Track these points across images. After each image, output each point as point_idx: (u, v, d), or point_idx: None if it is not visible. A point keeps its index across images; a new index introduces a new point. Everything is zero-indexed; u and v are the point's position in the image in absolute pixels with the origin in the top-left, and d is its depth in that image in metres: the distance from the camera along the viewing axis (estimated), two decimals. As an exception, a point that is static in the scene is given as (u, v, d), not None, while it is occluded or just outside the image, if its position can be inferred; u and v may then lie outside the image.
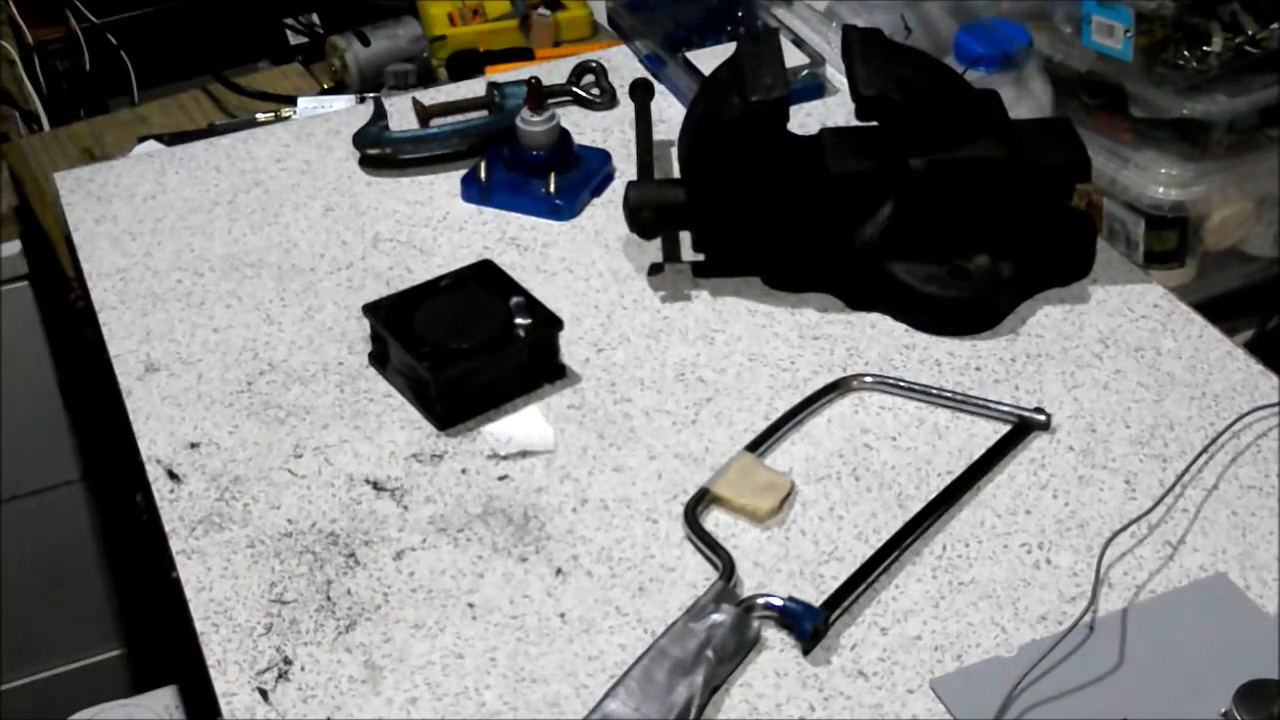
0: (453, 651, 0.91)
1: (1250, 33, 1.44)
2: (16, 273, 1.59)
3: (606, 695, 0.86)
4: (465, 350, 1.06)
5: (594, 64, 1.43)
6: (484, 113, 1.37)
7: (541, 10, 1.63)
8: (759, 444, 1.03)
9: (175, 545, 0.98)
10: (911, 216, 1.12)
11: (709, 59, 1.33)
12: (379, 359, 1.11)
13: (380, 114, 1.35)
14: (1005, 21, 1.46)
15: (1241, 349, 1.11)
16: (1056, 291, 1.16)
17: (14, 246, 1.58)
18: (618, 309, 1.17)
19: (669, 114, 1.37)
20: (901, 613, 0.92)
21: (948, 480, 1.00)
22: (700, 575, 0.95)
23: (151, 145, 1.47)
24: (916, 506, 0.98)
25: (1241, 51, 1.45)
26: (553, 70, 1.43)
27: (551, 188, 1.27)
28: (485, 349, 1.07)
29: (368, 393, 1.10)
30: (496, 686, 0.89)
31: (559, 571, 0.96)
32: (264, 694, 0.89)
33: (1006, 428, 1.04)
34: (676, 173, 1.21)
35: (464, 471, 1.03)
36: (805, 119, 1.34)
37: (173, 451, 1.05)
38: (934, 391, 1.07)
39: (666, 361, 1.11)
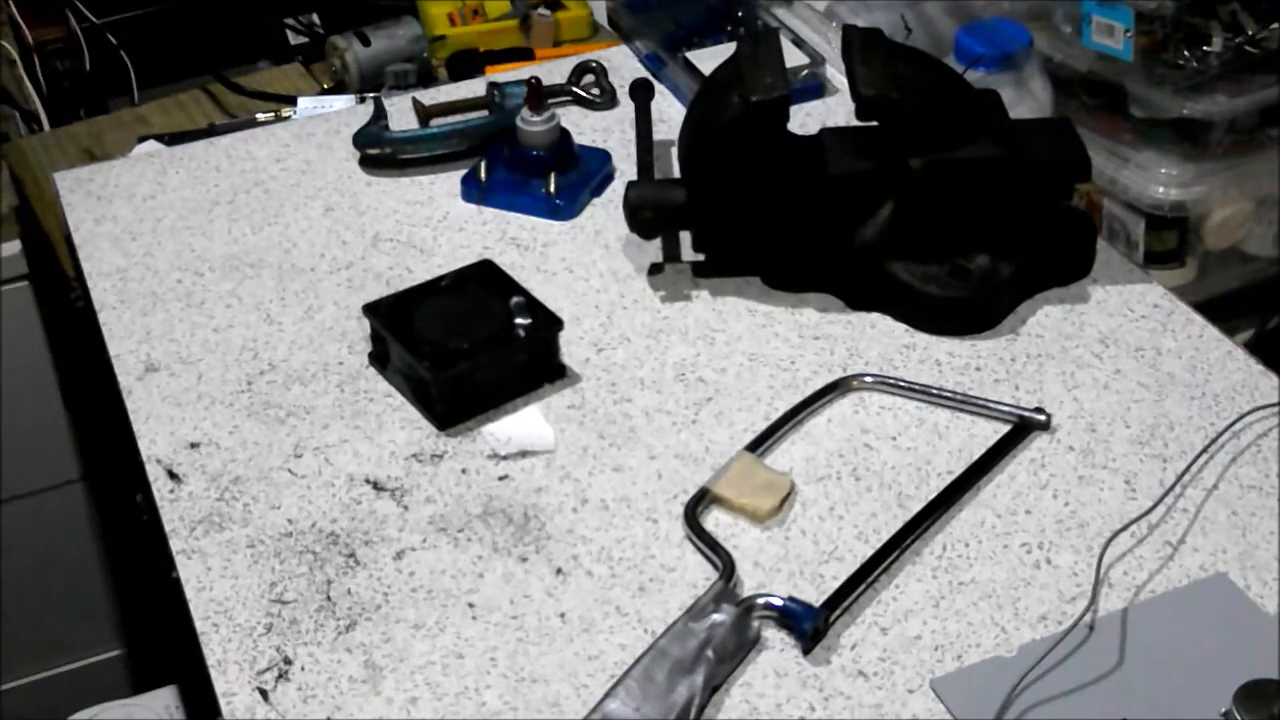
0: (453, 651, 0.91)
1: (1250, 33, 1.45)
2: (16, 273, 1.59)
3: (606, 695, 0.86)
4: (465, 350, 1.06)
5: (594, 64, 1.43)
6: (484, 113, 1.36)
7: (541, 10, 1.63)
8: (759, 444, 1.03)
9: (175, 545, 0.98)
10: (911, 216, 1.12)
11: (709, 59, 1.33)
12: (379, 359, 1.11)
13: (380, 114, 1.35)
14: (1005, 21, 1.46)
15: (1241, 349, 1.11)
16: (1056, 291, 1.16)
17: (14, 246, 1.58)
18: (618, 309, 1.17)
19: (669, 114, 1.37)
20: (901, 613, 0.92)
21: (948, 480, 1.00)
22: (700, 575, 0.95)
23: (151, 145, 1.48)
24: (916, 506, 0.98)
25: (1241, 51, 1.45)
26: (553, 70, 1.43)
27: (551, 188, 1.27)
28: (485, 349, 1.07)
29: (368, 393, 1.10)
30: (496, 686, 0.88)
31: (559, 571, 0.96)
32: (264, 694, 0.89)
33: (1006, 428, 1.04)
34: (676, 173, 1.21)
35: (464, 471, 1.03)
36: (805, 119, 1.34)
37: (173, 451, 1.05)
38: (934, 391, 1.07)
39: (666, 361, 1.11)
